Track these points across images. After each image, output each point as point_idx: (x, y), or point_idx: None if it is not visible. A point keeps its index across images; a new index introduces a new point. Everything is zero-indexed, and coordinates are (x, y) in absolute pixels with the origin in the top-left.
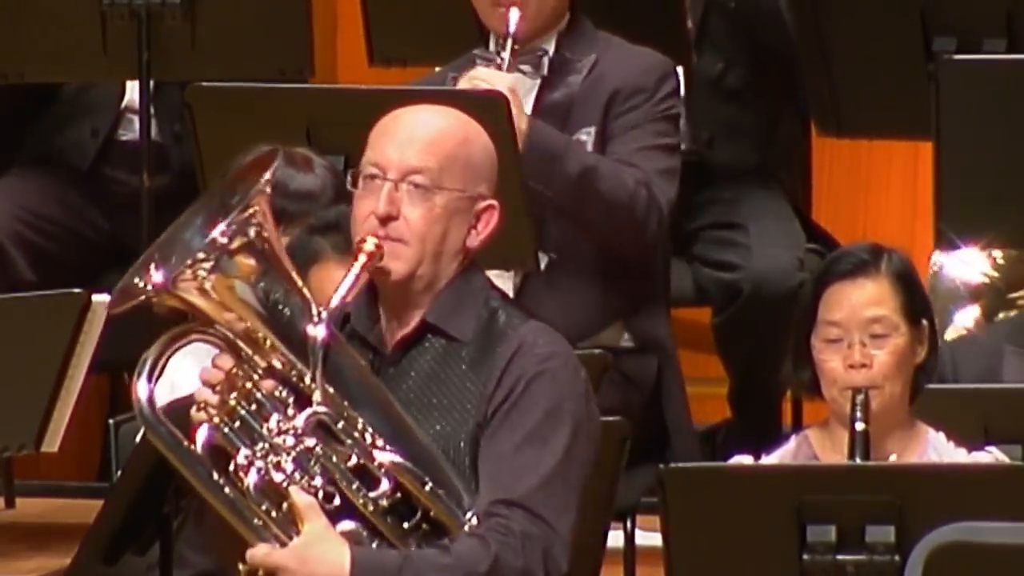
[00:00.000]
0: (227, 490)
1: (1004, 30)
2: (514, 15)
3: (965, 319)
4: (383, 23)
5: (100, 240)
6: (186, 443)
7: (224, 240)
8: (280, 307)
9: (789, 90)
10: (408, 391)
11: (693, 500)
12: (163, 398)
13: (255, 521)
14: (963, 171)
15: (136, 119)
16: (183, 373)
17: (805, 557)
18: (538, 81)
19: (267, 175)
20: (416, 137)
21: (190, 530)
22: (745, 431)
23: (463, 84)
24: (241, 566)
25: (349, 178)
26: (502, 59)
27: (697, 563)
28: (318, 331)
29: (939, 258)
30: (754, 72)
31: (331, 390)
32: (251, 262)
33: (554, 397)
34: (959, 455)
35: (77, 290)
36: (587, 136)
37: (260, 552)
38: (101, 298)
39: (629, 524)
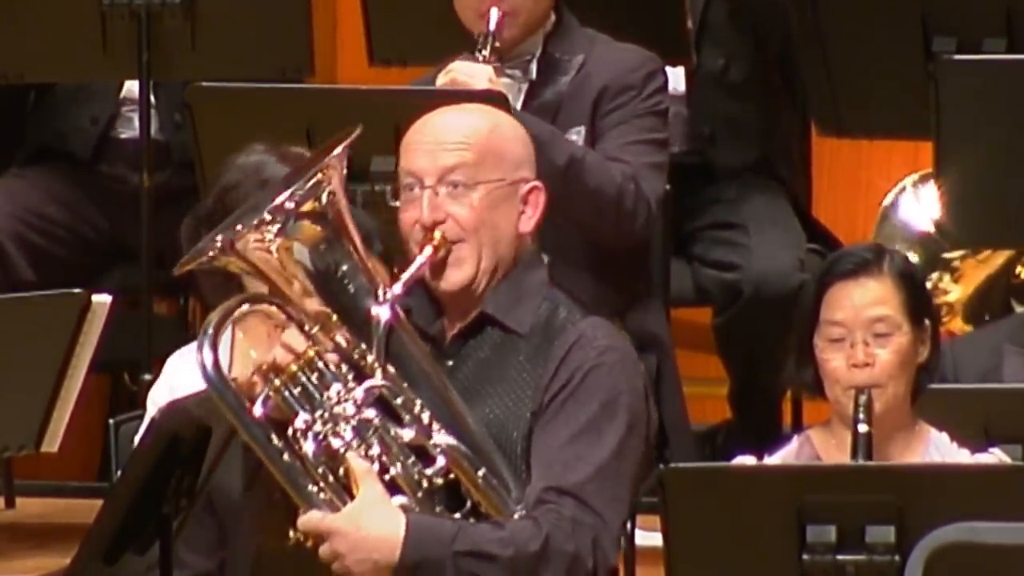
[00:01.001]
0: (285, 455)
1: (1004, 30)
2: (494, 14)
3: None
4: (383, 23)
5: (100, 239)
6: (248, 408)
7: (291, 205)
8: (345, 282)
9: (789, 85)
10: (464, 380)
11: (693, 500)
12: (161, 399)
13: (309, 487)
14: (963, 171)
15: (135, 116)
16: (181, 373)
17: (805, 557)
18: (526, 85)
19: (339, 148)
20: (444, 139)
21: (188, 531)
22: (745, 431)
23: (441, 79)
24: (292, 533)
25: (389, 192)
26: (483, 57)
27: (697, 563)
28: (382, 311)
29: (895, 196)
30: (756, 66)
31: (392, 370)
32: (317, 227)
33: (611, 390)
34: (962, 456)
35: (77, 290)
36: (577, 135)
37: (313, 517)
38: (101, 298)
39: (629, 524)
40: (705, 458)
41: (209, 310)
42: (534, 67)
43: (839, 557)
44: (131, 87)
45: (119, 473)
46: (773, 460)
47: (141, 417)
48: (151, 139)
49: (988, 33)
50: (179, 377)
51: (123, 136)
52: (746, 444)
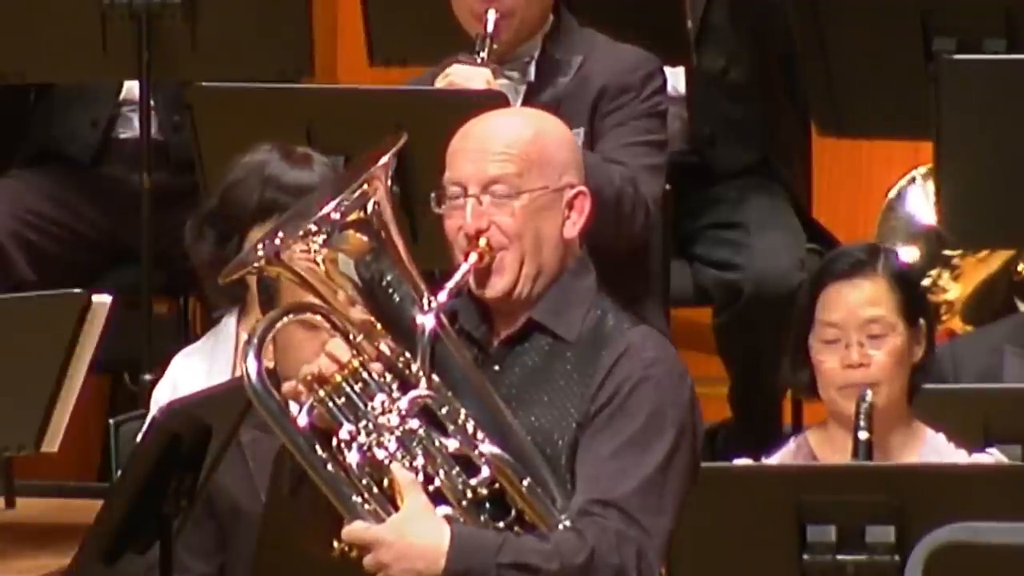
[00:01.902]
0: (329, 466)
1: (1004, 30)
2: (491, 15)
3: (902, 258)
4: (383, 23)
5: (100, 239)
6: (292, 417)
7: (337, 215)
8: (390, 291)
9: (790, 85)
10: (511, 387)
11: (693, 500)
12: (164, 398)
13: (354, 498)
14: (963, 171)
15: (135, 117)
16: (186, 373)
17: (805, 557)
18: (524, 87)
19: (385, 158)
20: (488, 147)
21: (189, 535)
22: (745, 431)
23: (439, 83)
24: (335, 544)
25: (433, 198)
26: (481, 59)
27: (697, 563)
28: (427, 320)
29: (903, 188)
30: (756, 67)
31: (436, 379)
32: (363, 238)
33: (658, 403)
34: (959, 456)
35: (77, 290)
36: (577, 137)
37: (357, 528)
38: (101, 298)
39: None
40: (705, 458)
41: (211, 310)
42: (532, 69)
43: (839, 557)
44: (130, 89)
45: (119, 473)
46: (771, 462)
47: (141, 417)
48: (151, 139)
49: (988, 33)
50: (182, 377)
51: (123, 136)
52: (746, 444)
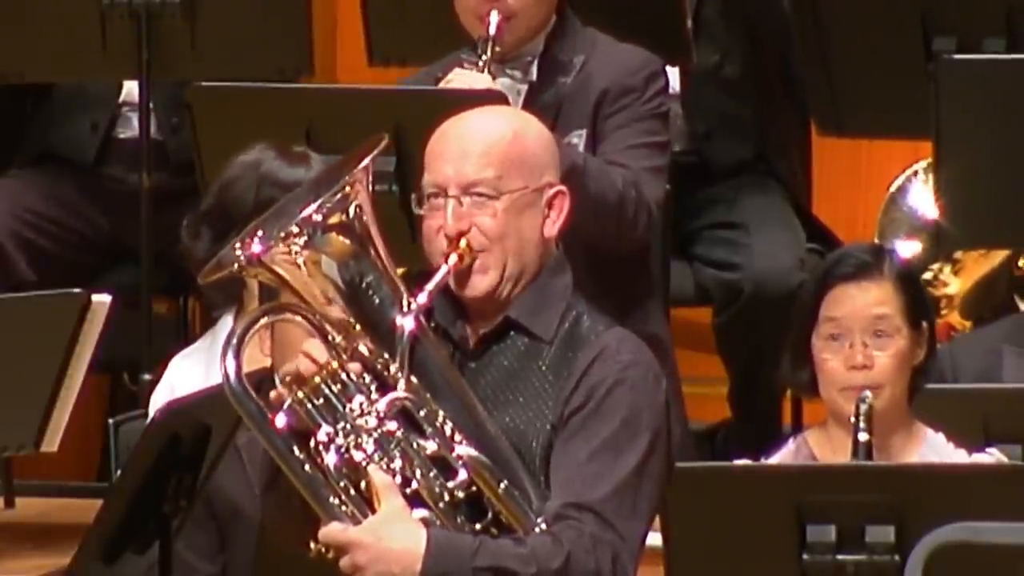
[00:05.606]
0: (307, 467)
1: (1004, 30)
2: (494, 17)
3: (904, 252)
4: (383, 23)
5: (99, 239)
6: (271, 418)
7: (319, 217)
8: (370, 292)
9: (786, 80)
10: (487, 387)
11: (693, 500)
12: (163, 400)
13: (331, 499)
14: (963, 171)
15: (134, 117)
16: (183, 374)
17: (805, 557)
18: (526, 87)
19: (366, 160)
20: (468, 149)
21: (193, 535)
22: (745, 431)
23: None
24: (312, 545)
25: (413, 199)
26: (483, 61)
27: (697, 563)
28: (407, 322)
29: (905, 182)
30: (751, 62)
31: (415, 381)
32: (345, 241)
33: (633, 406)
34: (959, 456)
35: (77, 290)
36: (578, 139)
37: (334, 529)
38: (101, 298)
39: None
40: (705, 458)
41: (209, 309)
42: (535, 69)
43: (839, 557)
44: (130, 90)
45: (119, 473)
46: (771, 462)
47: (141, 417)
48: (150, 140)
49: (988, 33)
50: (180, 378)
51: (122, 136)
52: (746, 444)
